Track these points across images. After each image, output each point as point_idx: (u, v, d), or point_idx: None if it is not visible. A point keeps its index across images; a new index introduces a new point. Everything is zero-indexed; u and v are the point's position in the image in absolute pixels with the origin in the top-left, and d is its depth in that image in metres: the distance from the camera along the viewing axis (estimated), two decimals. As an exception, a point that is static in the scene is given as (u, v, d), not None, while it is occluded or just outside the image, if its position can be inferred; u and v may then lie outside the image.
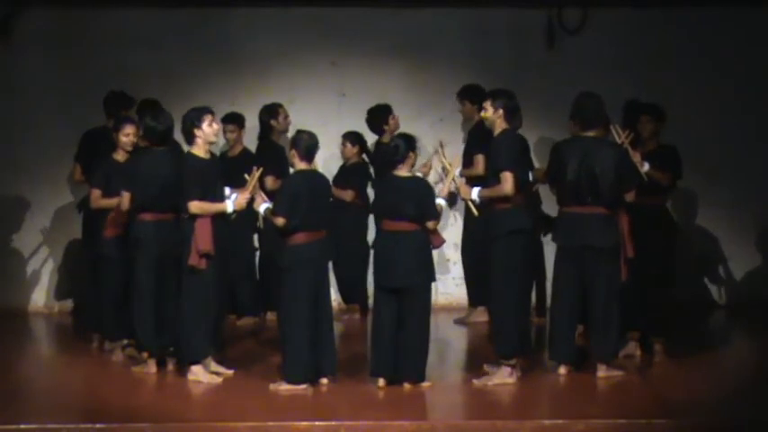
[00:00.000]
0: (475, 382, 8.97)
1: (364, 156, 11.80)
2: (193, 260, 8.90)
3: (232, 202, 9.03)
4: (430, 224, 8.83)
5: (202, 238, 8.89)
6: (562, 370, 9.17)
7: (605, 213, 9.03)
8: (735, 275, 12.39)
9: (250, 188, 9.06)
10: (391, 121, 11.59)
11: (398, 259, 8.79)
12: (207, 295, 9.01)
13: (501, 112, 9.02)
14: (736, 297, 12.33)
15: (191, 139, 9.07)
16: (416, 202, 8.79)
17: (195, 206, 8.93)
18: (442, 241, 8.98)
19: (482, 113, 9.16)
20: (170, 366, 9.36)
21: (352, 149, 11.76)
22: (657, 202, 9.82)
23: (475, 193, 9.05)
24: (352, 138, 11.77)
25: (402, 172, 8.91)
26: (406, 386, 8.80)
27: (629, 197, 9.10)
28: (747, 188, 12.31)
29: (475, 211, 9.13)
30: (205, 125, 9.03)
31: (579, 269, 9.08)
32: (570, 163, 9.03)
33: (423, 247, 8.85)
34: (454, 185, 9.12)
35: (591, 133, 9.15)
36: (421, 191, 8.87)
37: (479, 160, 10.75)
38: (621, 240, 9.09)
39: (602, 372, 9.08)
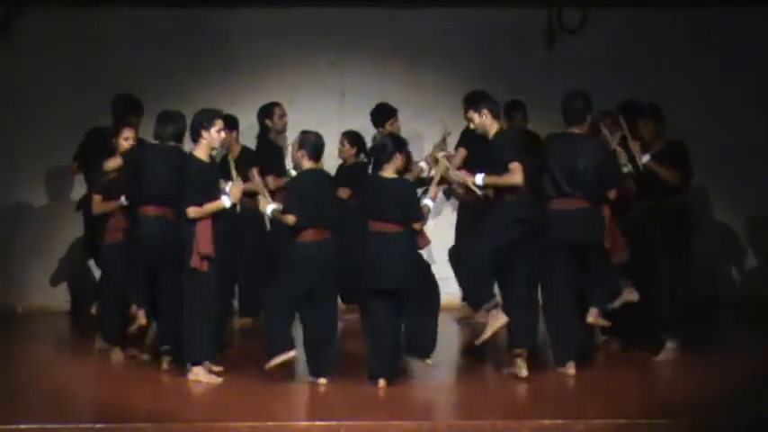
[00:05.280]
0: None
1: (362, 156, 11.78)
2: (195, 262, 8.90)
3: (228, 196, 9.04)
4: (416, 225, 8.83)
5: (203, 241, 8.89)
6: (570, 370, 9.15)
7: (589, 207, 9.07)
8: (734, 275, 12.41)
9: (252, 185, 9.10)
10: (388, 127, 11.44)
11: (387, 261, 8.79)
12: (209, 296, 9.01)
13: (486, 112, 9.06)
14: (735, 296, 12.34)
15: (196, 138, 9.08)
16: (400, 204, 8.79)
17: (193, 211, 8.92)
18: (428, 242, 9.02)
19: (470, 125, 9.23)
20: (164, 365, 9.36)
21: (350, 150, 11.71)
22: (675, 203, 9.76)
23: (479, 178, 9.05)
24: (351, 137, 11.72)
25: (387, 173, 8.91)
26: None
27: (612, 195, 9.17)
28: (747, 188, 12.32)
29: (478, 192, 9.12)
30: (214, 130, 9.04)
31: (569, 265, 9.11)
32: (553, 156, 9.08)
33: (411, 247, 8.86)
34: (446, 186, 9.15)
35: (576, 130, 9.19)
36: (404, 192, 8.87)
37: (461, 153, 10.73)
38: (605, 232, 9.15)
39: (591, 317, 9.15)
